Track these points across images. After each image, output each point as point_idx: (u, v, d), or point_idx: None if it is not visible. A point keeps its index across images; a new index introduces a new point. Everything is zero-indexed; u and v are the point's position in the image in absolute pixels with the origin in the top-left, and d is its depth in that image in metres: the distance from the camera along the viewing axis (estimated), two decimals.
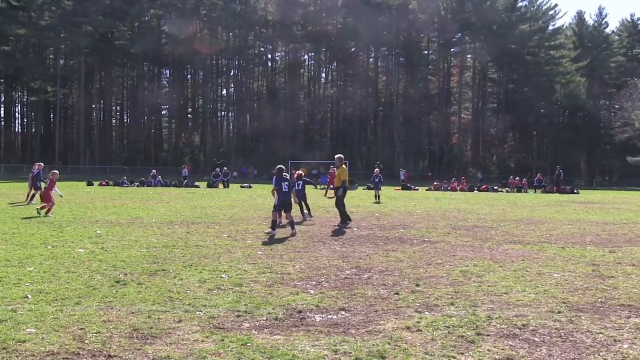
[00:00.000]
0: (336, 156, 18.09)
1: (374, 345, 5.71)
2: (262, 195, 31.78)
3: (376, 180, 30.80)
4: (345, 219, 17.09)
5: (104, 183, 43.75)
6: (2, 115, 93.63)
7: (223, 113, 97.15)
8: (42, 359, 5.16)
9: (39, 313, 6.57)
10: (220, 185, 43.95)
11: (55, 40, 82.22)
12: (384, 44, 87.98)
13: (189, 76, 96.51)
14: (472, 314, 6.88)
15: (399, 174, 57.66)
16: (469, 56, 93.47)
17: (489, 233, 15.33)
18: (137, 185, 43.51)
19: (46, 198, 18.80)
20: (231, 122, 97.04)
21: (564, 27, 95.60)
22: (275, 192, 15.31)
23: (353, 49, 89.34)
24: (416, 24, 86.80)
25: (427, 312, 6.98)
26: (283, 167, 15.71)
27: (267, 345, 5.65)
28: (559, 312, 7.06)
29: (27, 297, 7.33)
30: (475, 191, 45.49)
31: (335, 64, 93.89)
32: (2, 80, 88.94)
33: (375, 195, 29.99)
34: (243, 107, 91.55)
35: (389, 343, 5.78)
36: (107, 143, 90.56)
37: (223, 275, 9.01)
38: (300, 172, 19.20)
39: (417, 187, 46.43)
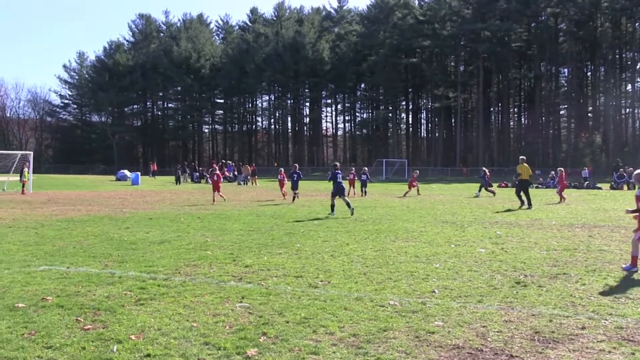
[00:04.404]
0: (520, 157, 24.34)
1: None
2: None
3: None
4: (529, 203, 22.46)
5: (502, 184, 44.40)
6: (411, 122, 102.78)
7: (627, 110, 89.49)
8: (449, 351, 5.49)
9: (444, 307, 7.01)
10: (625, 187, 40.77)
11: (456, 48, 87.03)
12: None
13: (588, 73, 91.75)
14: None
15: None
16: None
17: None
18: (537, 187, 43.11)
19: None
20: (637, 119, 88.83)
21: None
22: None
23: None
24: None
25: None
26: (337, 164, 21.01)
27: None
28: None
29: (434, 291, 7.90)
30: None
31: None
32: (410, 90, 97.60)
33: None
34: None
35: None
36: (505, 145, 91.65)
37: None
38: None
39: None
